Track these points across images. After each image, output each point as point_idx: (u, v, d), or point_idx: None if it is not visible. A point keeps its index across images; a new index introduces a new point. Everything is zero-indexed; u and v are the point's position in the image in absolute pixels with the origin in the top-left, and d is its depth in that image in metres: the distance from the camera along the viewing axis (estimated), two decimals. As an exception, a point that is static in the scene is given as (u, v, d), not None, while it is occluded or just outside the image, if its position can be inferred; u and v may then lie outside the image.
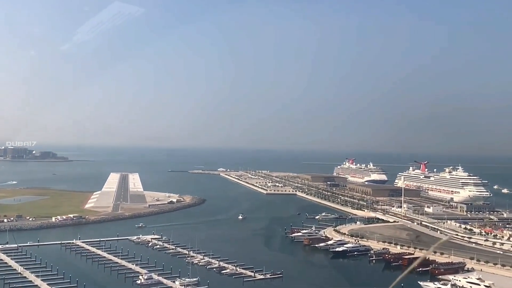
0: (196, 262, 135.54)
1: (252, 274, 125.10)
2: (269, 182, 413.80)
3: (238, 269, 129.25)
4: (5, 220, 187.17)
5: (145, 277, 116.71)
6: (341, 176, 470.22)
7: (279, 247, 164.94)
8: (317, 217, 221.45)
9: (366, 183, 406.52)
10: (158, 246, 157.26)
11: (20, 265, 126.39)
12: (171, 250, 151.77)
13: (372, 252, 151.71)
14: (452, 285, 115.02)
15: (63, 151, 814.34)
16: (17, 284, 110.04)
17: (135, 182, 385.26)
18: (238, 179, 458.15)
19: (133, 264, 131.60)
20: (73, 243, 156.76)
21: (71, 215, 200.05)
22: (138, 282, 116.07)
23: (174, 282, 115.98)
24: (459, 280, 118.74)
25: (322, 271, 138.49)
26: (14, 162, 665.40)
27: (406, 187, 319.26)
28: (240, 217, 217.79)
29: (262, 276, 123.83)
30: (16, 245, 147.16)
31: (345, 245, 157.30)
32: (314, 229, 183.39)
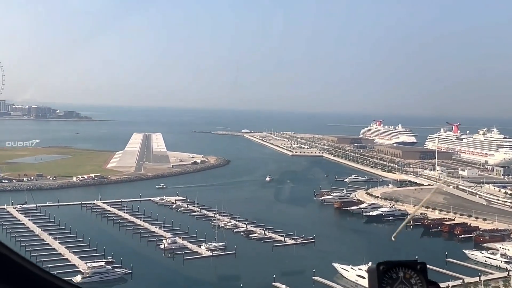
0: (223, 225, 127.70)
1: (282, 238, 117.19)
2: (294, 144, 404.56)
3: (267, 233, 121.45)
4: (25, 179, 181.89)
5: (169, 241, 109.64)
6: (368, 138, 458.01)
7: (309, 210, 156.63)
8: (346, 180, 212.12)
9: (395, 145, 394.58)
10: (182, 208, 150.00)
11: (38, 226, 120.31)
12: (196, 213, 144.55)
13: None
14: (502, 254, 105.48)
15: (85, 111, 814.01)
16: (34, 246, 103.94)
17: (158, 142, 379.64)
18: (263, 141, 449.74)
19: (156, 227, 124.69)
20: (93, 203, 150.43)
21: (93, 175, 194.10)
22: (162, 246, 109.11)
23: (199, 246, 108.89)
24: (508, 249, 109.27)
25: (355, 236, 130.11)
26: (38, 121, 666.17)
27: (438, 149, 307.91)
28: (267, 178, 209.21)
29: (292, 241, 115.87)
30: (34, 205, 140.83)
31: (379, 209, 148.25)
32: (345, 191, 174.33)
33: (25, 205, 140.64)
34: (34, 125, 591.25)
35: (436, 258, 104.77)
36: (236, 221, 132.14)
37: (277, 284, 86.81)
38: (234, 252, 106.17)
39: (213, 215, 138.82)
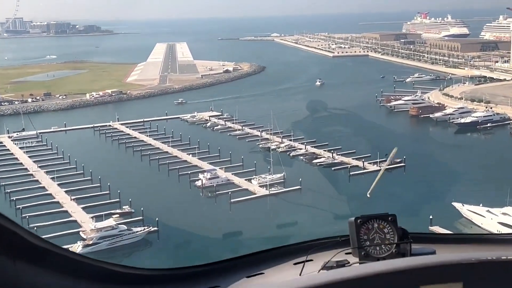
0: (274, 147, 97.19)
1: (359, 163, 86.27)
2: (332, 44, 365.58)
3: (336, 157, 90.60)
4: (29, 100, 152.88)
5: (208, 176, 79.86)
6: (413, 32, 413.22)
7: (378, 120, 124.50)
8: (407, 80, 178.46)
9: (446, 38, 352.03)
10: (219, 127, 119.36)
11: (34, 161, 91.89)
12: (237, 131, 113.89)
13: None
14: None
15: (107, 25, 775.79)
16: (23, 193, 75.58)
17: (183, 51, 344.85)
18: (296, 43, 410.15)
19: (188, 154, 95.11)
20: (109, 125, 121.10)
21: (109, 91, 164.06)
22: (198, 183, 79.60)
23: (250, 181, 79.02)
24: None
25: (451, 153, 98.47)
26: (57, 37, 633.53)
27: (496, 39, 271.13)
28: (317, 83, 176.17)
29: (375, 167, 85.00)
30: (34, 132, 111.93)
31: (472, 115, 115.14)
32: (419, 94, 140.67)
33: (23, 133, 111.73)
34: (53, 41, 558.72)
35: None
36: (290, 140, 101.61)
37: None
38: (299, 187, 76.10)
39: (259, 133, 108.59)
